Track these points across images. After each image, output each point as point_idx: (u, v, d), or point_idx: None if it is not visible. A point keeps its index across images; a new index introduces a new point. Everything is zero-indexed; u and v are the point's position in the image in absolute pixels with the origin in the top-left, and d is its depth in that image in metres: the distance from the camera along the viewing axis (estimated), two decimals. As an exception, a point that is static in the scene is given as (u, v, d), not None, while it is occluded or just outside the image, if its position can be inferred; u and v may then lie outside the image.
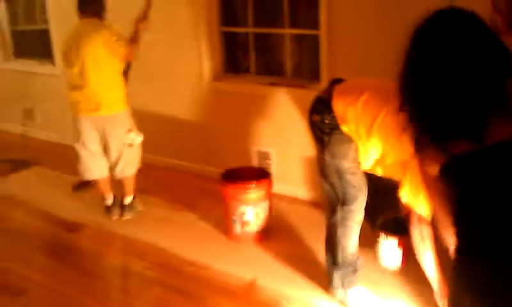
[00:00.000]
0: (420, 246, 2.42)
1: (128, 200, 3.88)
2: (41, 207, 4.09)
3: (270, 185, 3.43)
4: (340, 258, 2.71)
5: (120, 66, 3.61)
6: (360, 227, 2.68)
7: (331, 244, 2.73)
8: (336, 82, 2.69)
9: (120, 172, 3.79)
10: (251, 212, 3.33)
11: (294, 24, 3.86)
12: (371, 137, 2.46)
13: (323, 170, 2.67)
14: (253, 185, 3.31)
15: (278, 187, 3.69)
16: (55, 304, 2.94)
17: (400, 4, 3.13)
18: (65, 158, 4.60)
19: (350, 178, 2.59)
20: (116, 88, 3.63)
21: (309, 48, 3.80)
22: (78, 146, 3.72)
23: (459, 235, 1.39)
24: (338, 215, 2.64)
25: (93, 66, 3.49)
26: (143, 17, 3.60)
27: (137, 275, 3.17)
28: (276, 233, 3.49)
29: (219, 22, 4.15)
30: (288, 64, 3.99)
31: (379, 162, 2.56)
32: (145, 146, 4.16)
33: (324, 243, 2.81)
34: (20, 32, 5.98)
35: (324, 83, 3.46)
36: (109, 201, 3.90)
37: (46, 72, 5.49)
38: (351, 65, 3.46)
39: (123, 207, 3.88)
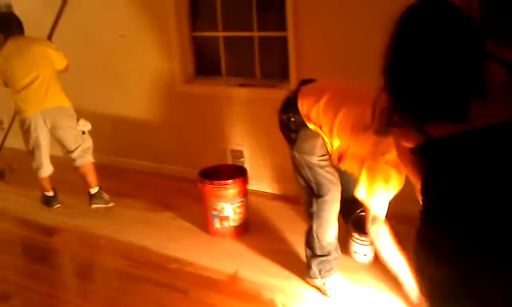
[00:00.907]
0: (378, 243, 2.56)
1: (94, 190, 4.04)
2: (18, 214, 4.14)
3: (246, 181, 3.59)
4: (317, 248, 2.85)
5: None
6: (336, 217, 2.83)
7: (310, 235, 2.88)
8: (305, 82, 2.85)
9: (80, 160, 3.99)
10: (230, 207, 3.48)
11: (262, 27, 4.01)
12: (333, 136, 2.63)
13: (295, 166, 2.83)
14: (230, 182, 3.46)
15: (252, 184, 3.84)
16: (45, 306, 3.02)
17: (365, 4, 3.29)
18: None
19: (321, 171, 2.74)
20: (59, 84, 3.90)
21: (278, 50, 3.95)
22: (31, 146, 3.93)
23: (425, 202, 1.56)
24: (314, 207, 2.79)
25: (40, 63, 3.78)
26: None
27: (122, 273, 3.27)
28: (253, 227, 3.65)
29: (189, 27, 4.28)
30: (258, 66, 4.14)
31: (341, 158, 2.72)
32: (121, 150, 4.25)
33: (304, 234, 2.94)
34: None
35: (293, 83, 3.63)
36: (51, 192, 4.22)
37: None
38: (318, 64, 3.62)
39: (91, 196, 4.04)
